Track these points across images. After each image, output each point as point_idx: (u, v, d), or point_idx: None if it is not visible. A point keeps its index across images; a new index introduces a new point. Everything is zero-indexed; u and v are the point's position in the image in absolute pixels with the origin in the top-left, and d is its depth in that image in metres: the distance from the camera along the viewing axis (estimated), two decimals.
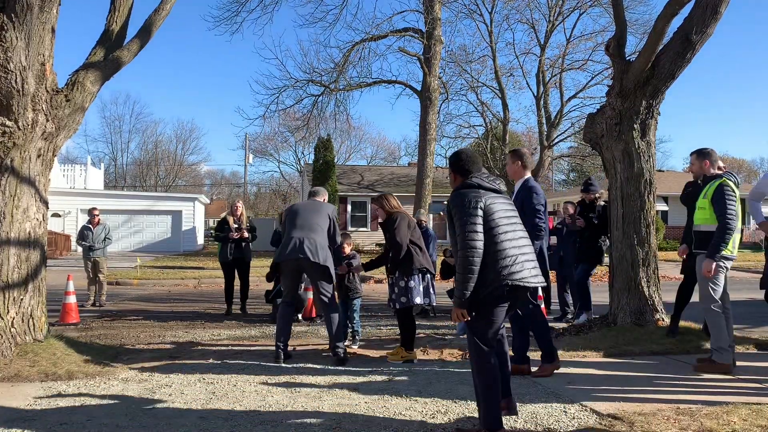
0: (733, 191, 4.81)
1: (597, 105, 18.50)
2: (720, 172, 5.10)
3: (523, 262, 3.28)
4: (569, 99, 26.06)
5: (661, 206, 27.08)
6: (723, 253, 4.76)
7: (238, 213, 9.04)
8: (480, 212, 3.26)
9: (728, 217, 4.70)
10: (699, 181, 5.24)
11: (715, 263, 4.74)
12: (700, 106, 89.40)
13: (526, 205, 4.75)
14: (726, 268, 4.86)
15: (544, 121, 26.13)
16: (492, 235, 3.26)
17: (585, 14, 25.28)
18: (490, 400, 3.28)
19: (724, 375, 4.72)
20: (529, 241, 3.46)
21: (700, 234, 5.01)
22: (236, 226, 8.89)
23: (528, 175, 4.95)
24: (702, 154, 5.17)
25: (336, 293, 5.78)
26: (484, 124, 27.62)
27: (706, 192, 4.97)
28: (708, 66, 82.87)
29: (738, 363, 4.99)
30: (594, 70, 24.76)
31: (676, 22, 5.97)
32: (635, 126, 6.20)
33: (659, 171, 31.13)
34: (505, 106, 26.34)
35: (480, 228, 3.23)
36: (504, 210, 3.38)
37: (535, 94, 26.24)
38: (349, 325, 6.30)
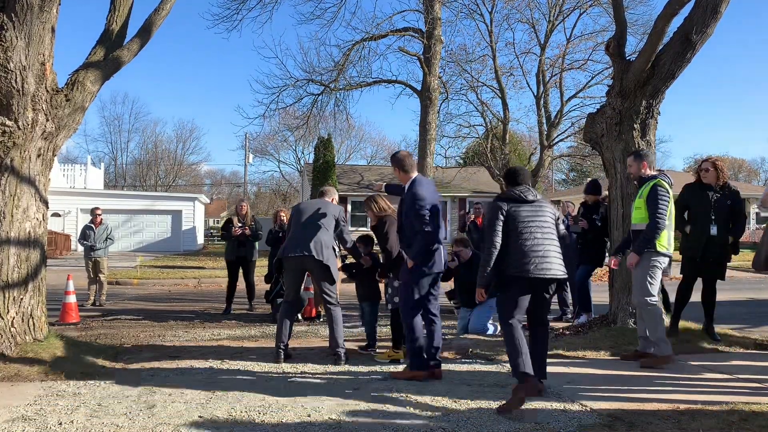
0: (667, 191, 5.03)
1: (597, 105, 18.48)
2: (655, 173, 5.28)
3: (539, 258, 4.11)
4: (569, 99, 26.04)
5: None
6: (658, 249, 4.97)
7: (243, 212, 9.35)
8: (501, 218, 4.19)
9: (658, 216, 4.93)
10: (635, 183, 5.47)
11: (638, 257, 4.99)
12: (700, 106, 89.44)
13: (409, 213, 4.72)
14: (662, 264, 5.05)
15: (544, 120, 26.11)
16: (515, 236, 4.15)
17: (585, 14, 25.26)
18: (517, 360, 4.06)
19: (665, 365, 4.89)
20: (551, 241, 4.22)
21: (634, 233, 5.26)
22: (240, 224, 9.16)
23: (413, 175, 4.84)
24: (639, 156, 5.37)
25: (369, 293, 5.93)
26: (484, 124, 27.57)
27: (641, 192, 5.19)
28: (708, 65, 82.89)
29: (738, 363, 5.00)
30: (594, 69, 24.73)
31: (676, 22, 5.97)
32: (635, 126, 6.19)
33: (659, 170, 31.02)
34: (505, 105, 26.32)
35: (498, 231, 4.19)
36: (528, 215, 4.22)
37: (535, 94, 26.22)
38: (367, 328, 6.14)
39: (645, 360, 5.06)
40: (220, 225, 57.64)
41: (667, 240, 5.01)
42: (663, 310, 5.15)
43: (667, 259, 5.07)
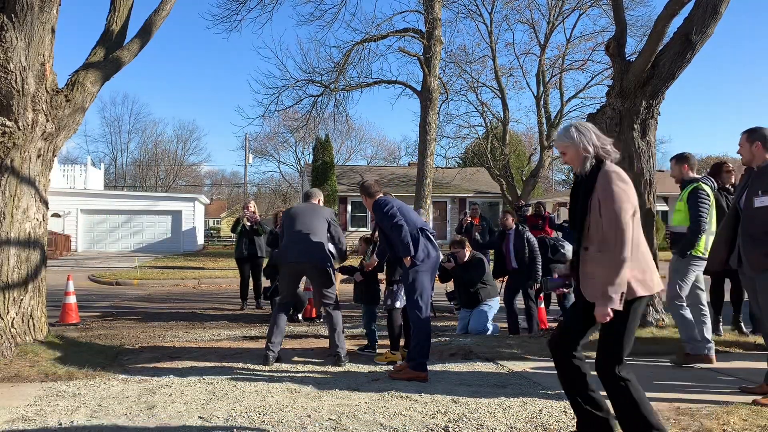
0: (708, 195, 5.04)
1: (597, 105, 18.50)
2: (697, 176, 5.29)
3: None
4: (569, 99, 26.05)
5: (661, 206, 27.07)
6: (695, 253, 5.01)
7: (251, 211, 9.58)
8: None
9: (700, 219, 4.96)
10: (679, 185, 5.45)
11: (683, 260, 5.02)
12: (700, 106, 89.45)
13: (382, 222, 5.00)
14: (698, 267, 5.07)
15: (544, 121, 26.09)
16: None
17: (585, 15, 25.26)
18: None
19: (706, 365, 4.90)
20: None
21: (674, 235, 5.31)
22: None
23: (376, 197, 5.16)
24: (681, 159, 5.35)
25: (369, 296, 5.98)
26: (484, 125, 27.57)
27: (682, 195, 5.19)
28: (708, 65, 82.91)
29: (738, 363, 4.99)
30: (594, 70, 24.74)
31: (676, 22, 5.98)
32: (635, 126, 6.20)
33: (659, 171, 31.02)
34: (505, 106, 26.31)
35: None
36: None
37: (535, 94, 26.21)
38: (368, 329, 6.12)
39: (676, 357, 5.07)
40: (220, 225, 57.67)
41: (704, 244, 4.99)
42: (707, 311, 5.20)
43: (703, 263, 5.03)
